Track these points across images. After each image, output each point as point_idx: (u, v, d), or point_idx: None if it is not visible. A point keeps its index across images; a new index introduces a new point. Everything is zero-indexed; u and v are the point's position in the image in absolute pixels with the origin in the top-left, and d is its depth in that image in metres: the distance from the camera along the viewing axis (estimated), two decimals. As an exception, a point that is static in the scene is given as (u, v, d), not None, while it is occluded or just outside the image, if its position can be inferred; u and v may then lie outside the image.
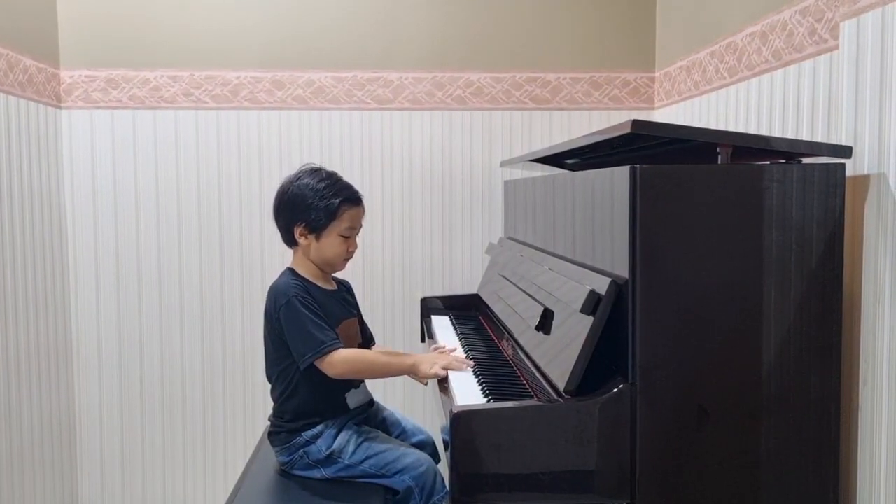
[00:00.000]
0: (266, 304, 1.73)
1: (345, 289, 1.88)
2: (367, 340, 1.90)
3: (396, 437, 1.85)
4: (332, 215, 1.71)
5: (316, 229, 1.72)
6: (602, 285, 1.30)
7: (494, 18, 2.61)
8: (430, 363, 1.69)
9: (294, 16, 2.57)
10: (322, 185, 1.72)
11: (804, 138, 1.61)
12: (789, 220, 1.26)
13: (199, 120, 2.57)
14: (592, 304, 1.30)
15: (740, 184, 1.26)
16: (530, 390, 1.52)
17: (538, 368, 1.50)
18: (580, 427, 1.25)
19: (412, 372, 1.71)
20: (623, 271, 1.27)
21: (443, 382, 1.64)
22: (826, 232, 1.27)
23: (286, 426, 1.72)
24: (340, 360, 1.65)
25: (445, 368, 1.67)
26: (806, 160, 1.36)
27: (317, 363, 1.65)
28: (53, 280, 2.46)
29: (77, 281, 2.58)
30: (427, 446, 1.88)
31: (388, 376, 1.80)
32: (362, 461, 1.68)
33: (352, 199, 1.74)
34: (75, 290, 2.58)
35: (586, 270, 1.44)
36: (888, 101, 1.26)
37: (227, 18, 2.55)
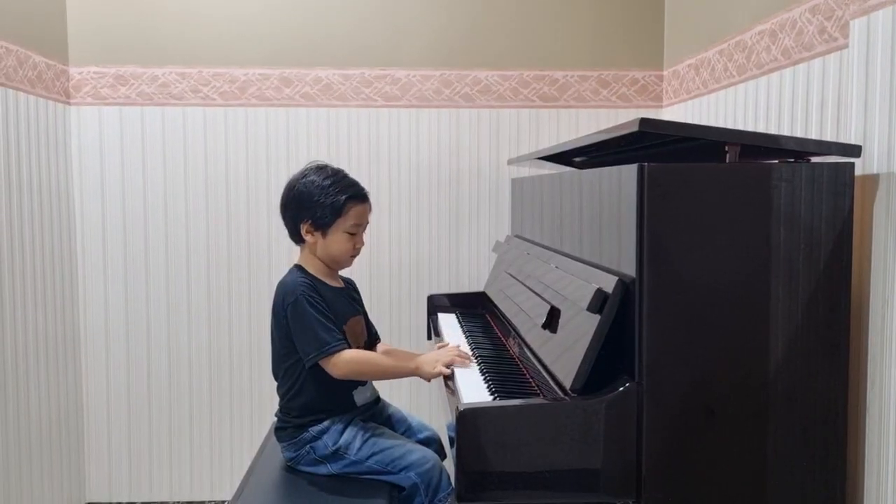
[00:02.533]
0: (274, 301, 1.74)
1: (351, 287, 1.89)
2: (371, 338, 1.91)
3: (402, 434, 1.85)
4: (337, 212, 1.71)
5: (322, 226, 1.72)
6: (609, 284, 1.30)
7: (502, 16, 2.60)
8: (433, 363, 1.68)
9: (302, 13, 2.57)
10: (328, 182, 1.72)
11: (813, 137, 1.61)
12: (798, 220, 1.25)
13: (207, 117, 2.58)
14: (599, 302, 1.30)
15: (748, 183, 1.25)
16: (536, 388, 1.52)
17: (544, 367, 1.50)
18: (586, 425, 1.25)
19: (416, 374, 1.71)
20: (630, 270, 1.26)
21: (448, 380, 1.64)
22: (835, 231, 1.27)
23: (293, 422, 1.73)
24: (345, 360, 1.66)
25: (448, 365, 1.67)
26: (815, 159, 1.36)
27: (321, 363, 1.66)
28: (62, 274, 2.48)
29: (85, 275, 2.59)
30: (433, 443, 1.88)
31: (391, 378, 1.79)
32: (368, 457, 1.68)
33: (357, 196, 1.74)
34: (83, 284, 2.59)
35: (593, 269, 1.44)
36: (898, 100, 1.25)
37: (235, 16, 2.56)
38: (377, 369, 1.73)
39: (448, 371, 1.66)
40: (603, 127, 1.99)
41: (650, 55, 2.62)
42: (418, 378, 1.77)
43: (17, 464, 2.18)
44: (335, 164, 1.80)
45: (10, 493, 2.14)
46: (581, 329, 1.35)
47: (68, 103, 2.54)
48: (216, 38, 2.56)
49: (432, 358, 1.71)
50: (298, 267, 1.77)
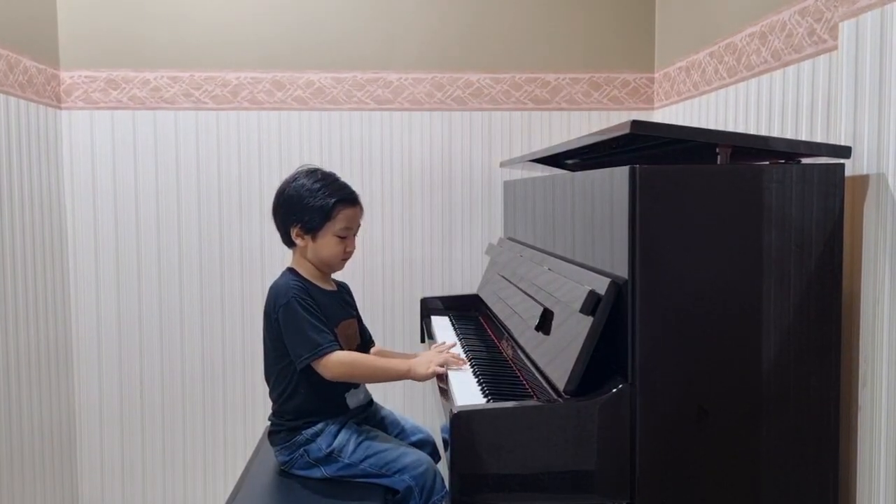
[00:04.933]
0: (266, 303, 1.73)
1: (344, 290, 1.89)
2: (365, 342, 1.90)
3: (396, 437, 1.85)
4: (326, 216, 1.71)
5: (311, 230, 1.72)
6: (601, 286, 1.30)
7: (494, 19, 2.61)
8: (426, 364, 1.69)
9: (294, 16, 2.57)
10: (317, 185, 1.72)
11: (803, 139, 1.62)
12: (788, 221, 1.26)
13: (199, 121, 2.57)
14: (592, 304, 1.30)
15: (739, 184, 1.26)
16: (530, 390, 1.52)
17: (538, 368, 1.50)
18: (580, 427, 1.25)
19: (409, 377, 1.71)
20: (622, 271, 1.27)
21: (442, 382, 1.64)
22: (825, 232, 1.27)
23: (286, 425, 1.72)
24: (337, 362, 1.65)
25: (442, 366, 1.67)
26: (805, 160, 1.37)
27: (313, 365, 1.65)
28: (53, 281, 2.46)
29: (77, 282, 2.58)
30: (426, 445, 1.88)
31: (384, 381, 1.79)
32: (362, 460, 1.68)
33: (347, 199, 1.74)
34: (75, 290, 2.58)
35: (586, 271, 1.44)
36: (887, 101, 1.26)
37: (226, 19, 2.55)
38: (369, 371, 1.72)
39: (442, 370, 1.66)
40: (595, 129, 1.99)
41: (641, 58, 2.63)
42: (411, 381, 1.76)
43: (8, 475, 2.17)
44: (327, 168, 1.80)
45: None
46: (574, 331, 1.35)
47: (59, 107, 2.53)
48: (208, 41, 2.55)
49: (425, 359, 1.71)
50: (291, 270, 1.77)
